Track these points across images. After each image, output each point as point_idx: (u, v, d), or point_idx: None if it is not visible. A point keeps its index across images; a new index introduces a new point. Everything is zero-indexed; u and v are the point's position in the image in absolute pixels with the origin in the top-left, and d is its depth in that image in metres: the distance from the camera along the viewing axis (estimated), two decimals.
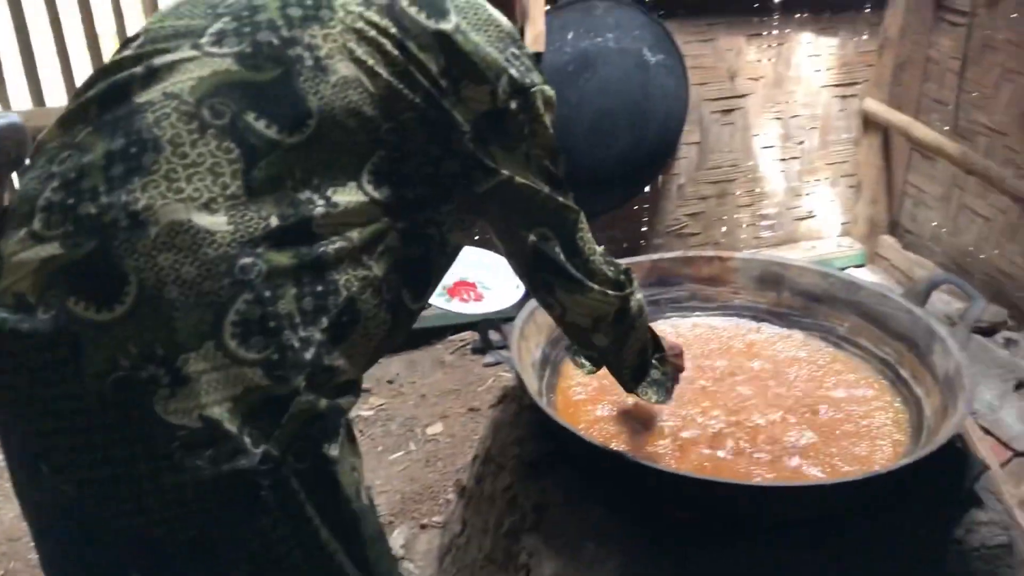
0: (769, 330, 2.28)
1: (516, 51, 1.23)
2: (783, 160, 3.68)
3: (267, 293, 1.02)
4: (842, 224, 3.87)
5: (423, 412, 3.01)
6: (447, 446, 2.87)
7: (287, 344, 1.02)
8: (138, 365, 0.98)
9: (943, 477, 1.84)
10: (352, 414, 3.24)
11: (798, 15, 3.42)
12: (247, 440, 1.00)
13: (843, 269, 3.72)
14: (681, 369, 1.76)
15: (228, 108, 1.06)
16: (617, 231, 3.56)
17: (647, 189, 3.52)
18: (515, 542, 1.88)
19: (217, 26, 1.13)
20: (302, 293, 1.05)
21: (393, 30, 1.14)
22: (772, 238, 3.82)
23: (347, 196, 1.10)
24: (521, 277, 1.43)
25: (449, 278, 2.13)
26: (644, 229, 3.65)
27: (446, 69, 1.16)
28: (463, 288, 2.36)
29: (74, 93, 1.17)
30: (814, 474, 1.78)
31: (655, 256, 2.40)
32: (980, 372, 2.87)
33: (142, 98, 1.08)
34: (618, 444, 1.85)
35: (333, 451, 1.07)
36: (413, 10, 1.16)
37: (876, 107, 3.56)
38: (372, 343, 1.16)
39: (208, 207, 1.02)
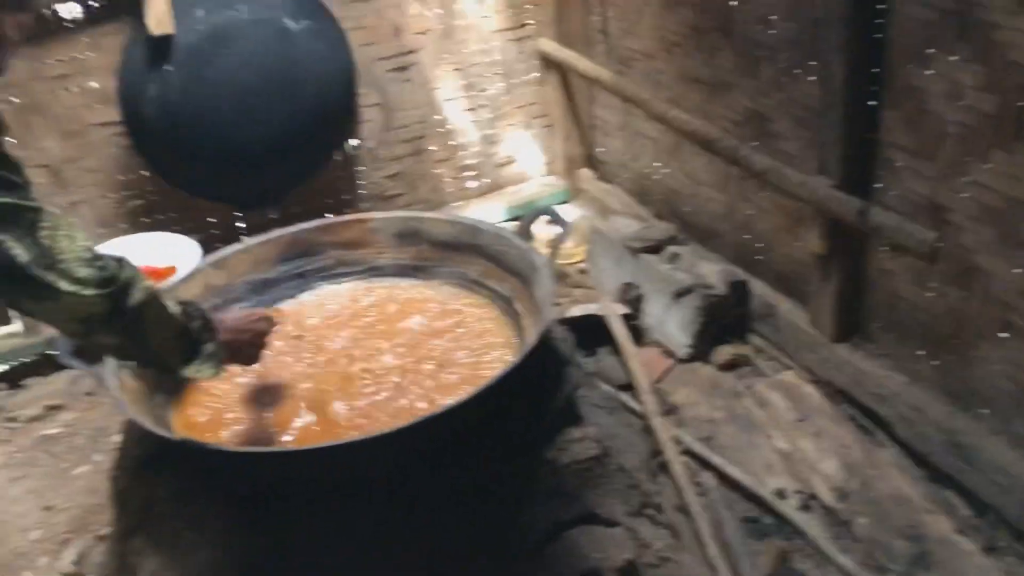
0: (411, 283, 2.32)
1: None
2: (471, 110, 3.72)
3: None
4: (544, 164, 3.96)
5: (115, 422, 2.90)
6: None
7: None
8: None
9: (539, 400, 1.94)
10: (37, 434, 3.06)
11: None
12: None
13: (550, 207, 3.85)
14: (234, 344, 1.73)
15: None
16: (318, 203, 3.51)
17: (338, 158, 3.50)
18: (126, 544, 1.85)
19: None
20: None
21: None
22: (478, 188, 3.86)
23: None
24: None
25: None
26: (347, 197, 3.62)
27: None
28: (154, 275, 2.23)
29: None
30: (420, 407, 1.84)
31: (293, 228, 2.38)
32: (649, 288, 3.02)
33: None
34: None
35: None
36: None
37: (548, 46, 3.64)
38: None
39: None
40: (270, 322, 1.82)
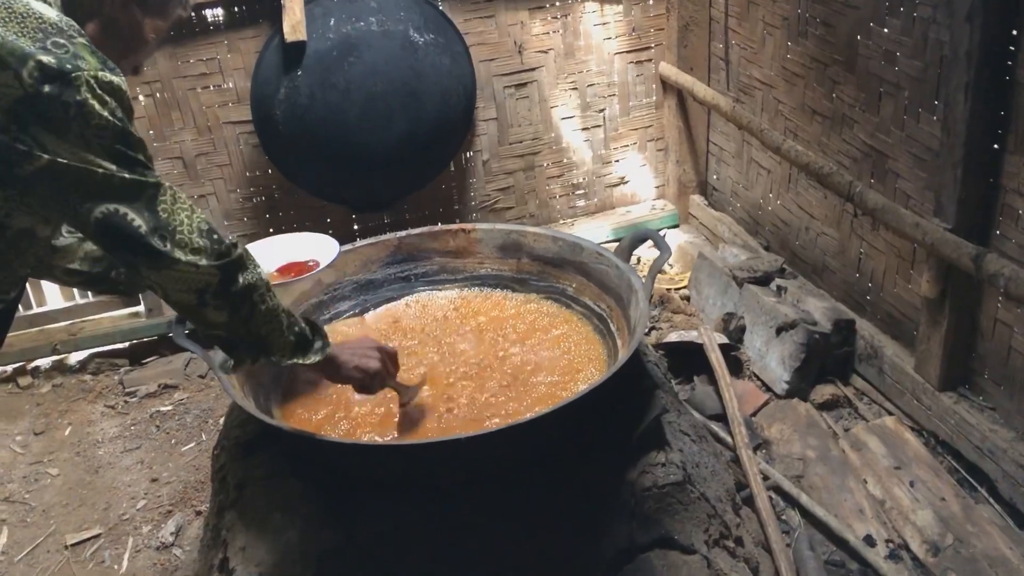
0: (509, 295, 2.37)
1: (60, 40, 1.31)
2: (586, 129, 3.75)
3: None
4: (655, 187, 3.96)
5: (221, 405, 3.06)
6: None
7: None
8: None
9: (624, 421, 1.95)
10: (151, 409, 3.24)
11: None
12: None
13: (659, 231, 3.84)
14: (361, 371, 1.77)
15: None
16: (427, 211, 3.62)
17: (451, 168, 3.59)
18: (221, 519, 1.95)
19: None
20: None
21: None
22: (587, 207, 3.89)
23: None
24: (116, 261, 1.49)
25: (273, 264, 2.19)
26: (457, 207, 3.71)
27: None
28: (290, 269, 2.34)
29: None
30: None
31: (401, 233, 2.46)
32: (752, 320, 2.98)
33: None
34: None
35: None
36: None
37: (668, 70, 3.64)
38: None
39: None
40: (390, 357, 1.83)
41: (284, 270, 2.23)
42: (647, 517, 1.86)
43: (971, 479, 2.37)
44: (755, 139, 3.23)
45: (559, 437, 1.80)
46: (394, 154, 3.17)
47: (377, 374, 1.77)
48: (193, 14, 3.11)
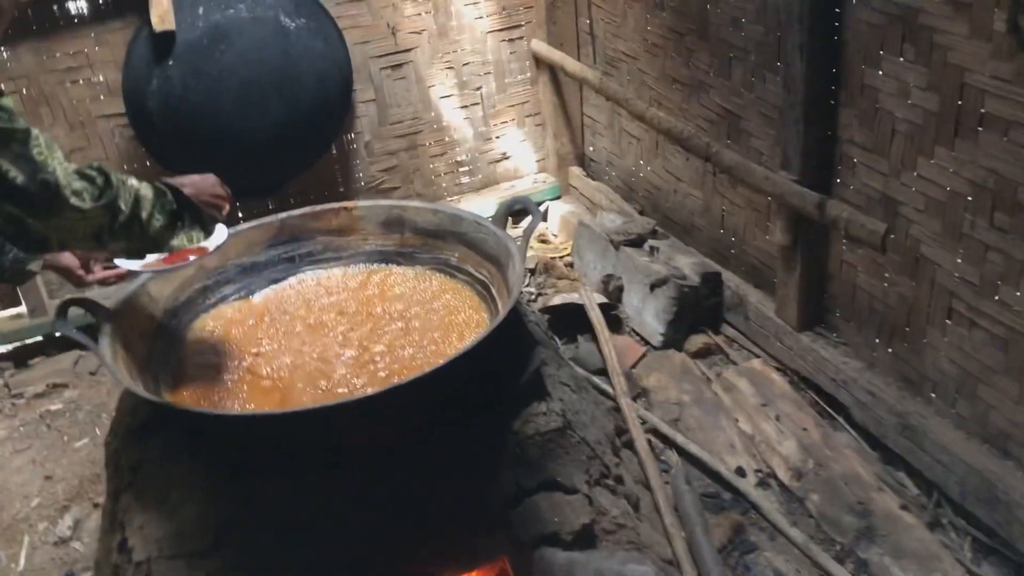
0: (393, 268, 2.44)
1: None
2: (465, 107, 3.85)
3: None
4: (536, 161, 4.09)
5: (114, 399, 3.03)
6: None
7: None
8: None
9: (506, 376, 2.06)
10: (41, 409, 3.17)
11: None
12: None
13: (541, 203, 3.98)
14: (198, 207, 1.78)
15: None
16: (312, 195, 3.65)
17: (333, 151, 3.64)
18: (117, 503, 1.98)
19: None
20: None
21: None
22: (472, 183, 4.00)
23: None
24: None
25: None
26: (342, 190, 3.76)
27: None
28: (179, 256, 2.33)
29: None
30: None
31: (283, 215, 2.50)
32: (628, 279, 3.14)
33: None
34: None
35: None
36: None
37: (540, 47, 3.77)
38: None
39: None
40: (221, 184, 1.87)
41: (172, 258, 2.26)
42: (532, 463, 1.98)
43: (829, 410, 2.59)
44: (623, 109, 3.38)
45: (446, 394, 1.90)
46: (272, 139, 3.20)
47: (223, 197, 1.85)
48: (55, 6, 3.07)
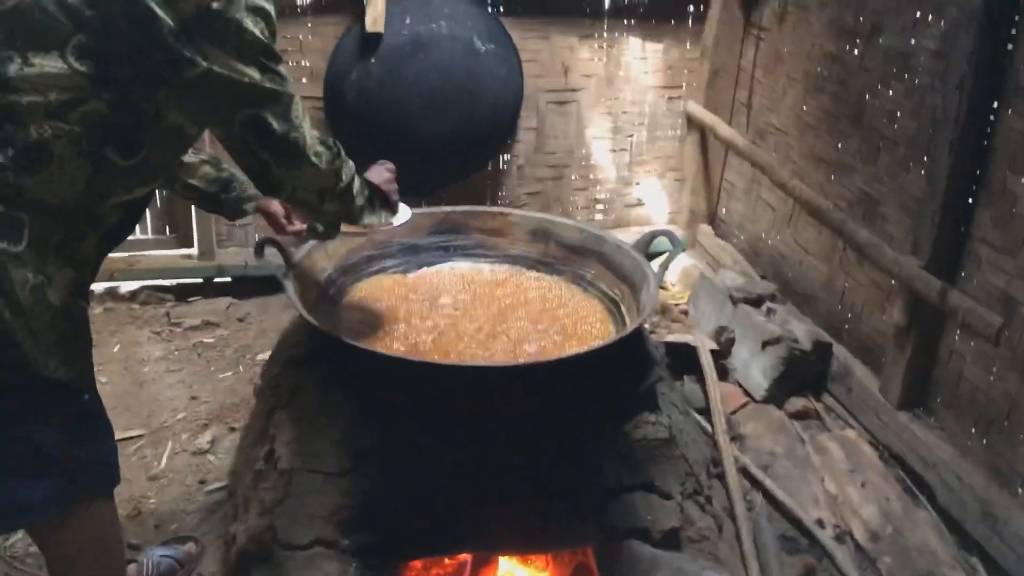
0: (533, 274, 2.70)
1: None
2: (614, 151, 4.14)
3: None
4: (668, 212, 4.33)
5: (259, 343, 3.40)
6: None
7: None
8: None
9: (625, 383, 2.28)
10: (194, 340, 3.53)
11: (626, 22, 3.88)
12: None
13: (662, 253, 4.20)
14: (386, 193, 2.10)
15: None
16: (462, 203, 3.95)
17: (489, 167, 3.96)
18: (269, 420, 2.27)
19: None
20: None
21: None
22: (604, 221, 4.26)
23: (47, 62, 1.47)
24: (244, 170, 1.81)
25: None
26: (487, 204, 4.07)
27: None
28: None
29: None
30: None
31: (447, 208, 2.81)
32: (741, 334, 3.32)
33: None
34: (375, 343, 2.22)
35: (5, 246, 1.47)
36: None
37: (695, 108, 4.03)
38: (75, 181, 1.54)
39: None
40: (390, 168, 2.20)
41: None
42: (635, 464, 2.18)
43: (914, 487, 2.72)
44: (765, 178, 3.60)
45: (576, 383, 2.13)
46: (444, 145, 3.53)
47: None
48: None
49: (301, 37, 3.57)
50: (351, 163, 1.85)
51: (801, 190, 3.30)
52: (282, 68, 1.67)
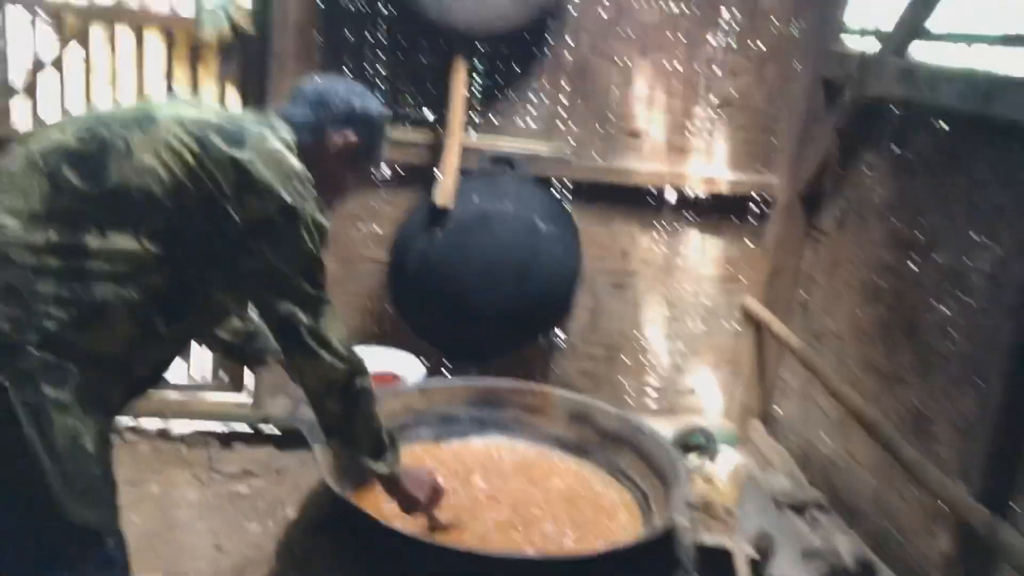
0: (568, 458, 2.68)
1: (299, 187, 1.80)
2: (669, 338, 4.15)
3: (31, 275, 1.57)
4: (721, 405, 4.27)
5: (292, 498, 3.37)
6: None
7: (34, 312, 1.56)
8: None
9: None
10: (230, 488, 3.56)
11: (688, 215, 3.99)
12: None
13: (706, 428, 4.11)
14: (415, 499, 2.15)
15: (55, 161, 1.66)
16: (511, 374, 3.98)
17: (542, 342, 4.00)
18: None
19: (83, 124, 1.72)
20: (60, 285, 1.58)
21: (195, 147, 1.72)
22: (655, 407, 4.22)
23: (122, 238, 1.64)
24: (279, 344, 1.92)
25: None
26: (537, 378, 4.07)
27: (235, 182, 1.73)
28: (379, 378, 2.74)
29: None
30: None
31: (489, 380, 2.86)
32: (782, 541, 3.18)
33: (17, 148, 1.71)
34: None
35: (53, 394, 1.57)
36: (217, 140, 1.75)
37: (753, 304, 4.04)
38: (121, 341, 1.67)
39: (12, 213, 1.60)
40: (437, 495, 2.21)
41: (375, 378, 2.65)
42: None
43: None
44: (818, 382, 3.54)
45: None
46: (498, 318, 3.61)
47: (421, 505, 2.15)
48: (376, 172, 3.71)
49: (376, 206, 3.76)
50: (370, 385, 1.97)
51: (852, 398, 3.23)
52: (324, 277, 1.86)
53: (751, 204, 4.03)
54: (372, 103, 2.06)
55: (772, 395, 4.13)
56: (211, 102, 2.06)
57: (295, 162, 1.82)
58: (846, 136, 3.54)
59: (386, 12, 3.58)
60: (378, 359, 2.71)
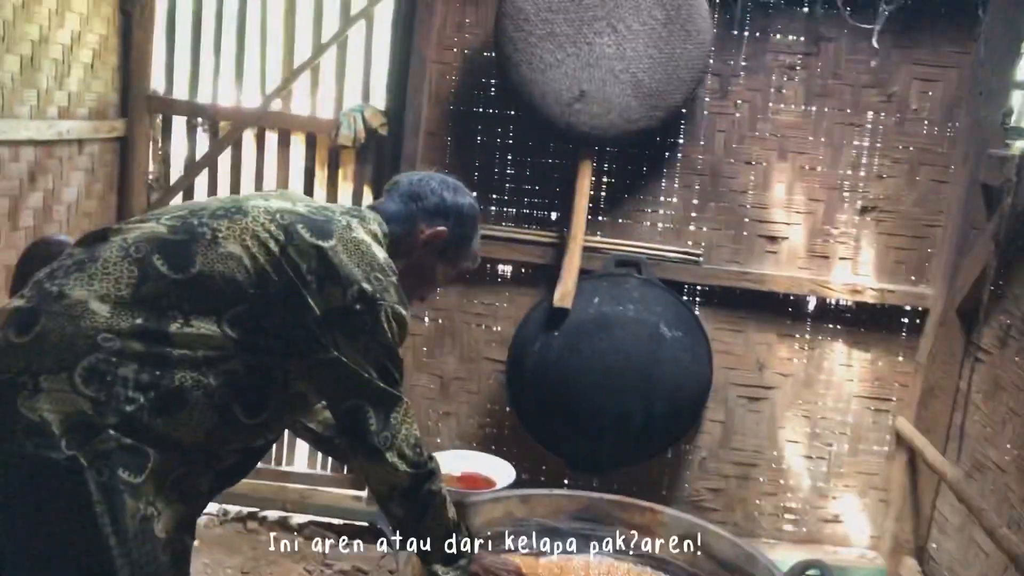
0: None
1: (380, 276, 1.79)
2: (810, 458, 3.82)
3: (114, 359, 1.59)
4: (869, 537, 3.86)
5: None
6: None
7: (115, 396, 1.58)
8: (19, 372, 1.57)
9: None
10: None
11: (832, 325, 3.71)
12: (63, 442, 1.53)
13: (823, 563, 3.71)
14: None
15: (146, 249, 1.71)
16: (635, 487, 3.79)
17: (669, 454, 3.78)
18: None
19: (177, 214, 1.78)
20: (142, 370, 1.61)
21: (281, 237, 1.75)
22: (795, 534, 3.87)
23: (205, 325, 1.66)
24: (342, 439, 1.88)
25: (457, 470, 2.58)
26: (664, 492, 3.86)
27: (315, 270, 1.74)
28: (471, 480, 2.69)
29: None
30: None
31: (595, 494, 2.71)
32: None
33: (112, 237, 1.76)
34: None
35: (127, 476, 1.57)
36: (303, 230, 1.77)
37: (905, 426, 3.67)
38: (200, 428, 1.67)
39: (102, 299, 1.64)
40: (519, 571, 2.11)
41: (465, 480, 2.57)
42: None
43: None
44: (976, 518, 3.14)
45: None
46: (618, 427, 3.44)
47: None
48: (488, 265, 3.71)
49: (496, 304, 3.74)
50: (440, 489, 1.91)
51: (1012, 541, 2.82)
52: (399, 373, 1.83)
53: (902, 316, 3.72)
54: (463, 197, 2.05)
55: (928, 531, 3.70)
56: (303, 195, 2.08)
57: (379, 252, 1.81)
58: (1007, 246, 3.22)
59: (514, 115, 3.64)
60: (472, 462, 2.64)
